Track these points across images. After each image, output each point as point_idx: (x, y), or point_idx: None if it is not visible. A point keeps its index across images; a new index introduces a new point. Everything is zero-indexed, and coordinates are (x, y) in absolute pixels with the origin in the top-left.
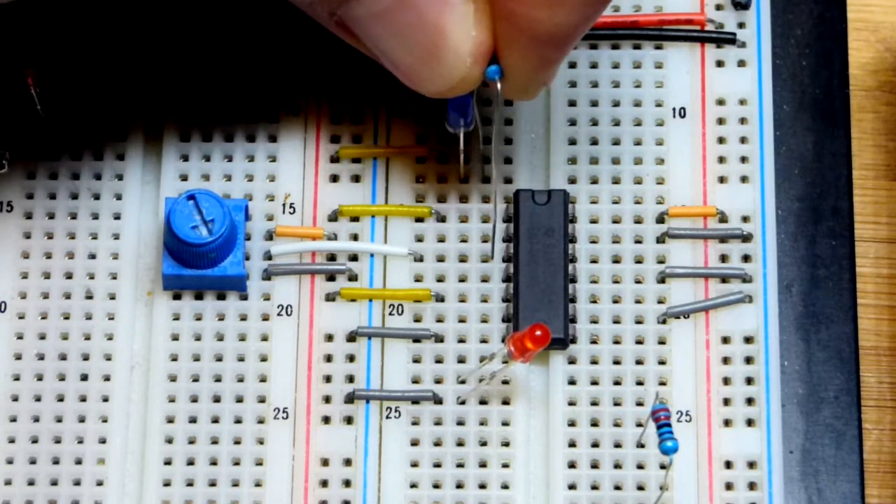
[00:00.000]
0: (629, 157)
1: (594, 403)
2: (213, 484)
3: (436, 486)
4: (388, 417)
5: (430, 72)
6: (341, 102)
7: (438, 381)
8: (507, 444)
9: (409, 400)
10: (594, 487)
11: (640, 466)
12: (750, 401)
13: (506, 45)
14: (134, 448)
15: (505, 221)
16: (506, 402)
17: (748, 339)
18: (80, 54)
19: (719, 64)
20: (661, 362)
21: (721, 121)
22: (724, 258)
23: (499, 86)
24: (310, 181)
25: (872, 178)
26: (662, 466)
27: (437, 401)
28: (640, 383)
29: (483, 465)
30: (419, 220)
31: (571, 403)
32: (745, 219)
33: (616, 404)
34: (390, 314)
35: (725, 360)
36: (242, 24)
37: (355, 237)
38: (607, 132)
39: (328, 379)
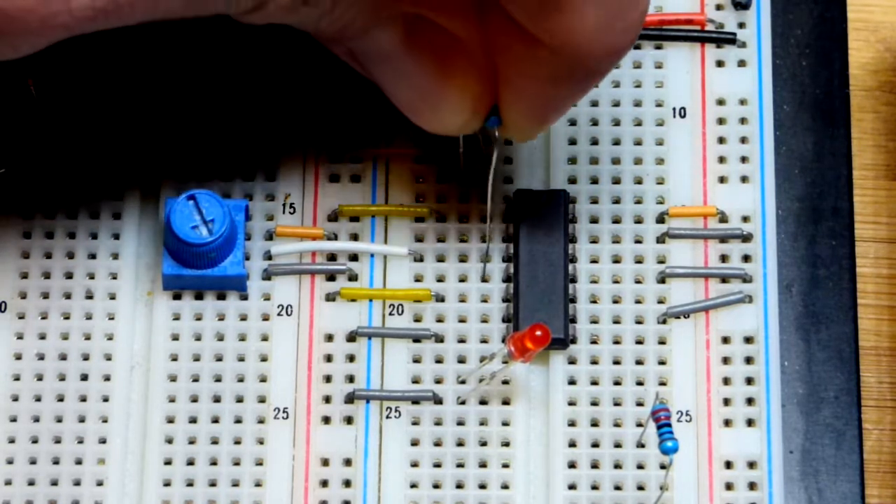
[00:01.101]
0: (629, 157)
1: (594, 403)
2: (213, 484)
3: (436, 486)
4: (388, 417)
5: (431, 115)
6: (341, 104)
7: (438, 381)
8: (507, 444)
9: (409, 400)
10: (594, 487)
11: (640, 466)
12: (750, 401)
13: (507, 104)
14: (134, 448)
15: (505, 221)
16: (506, 402)
17: (748, 339)
18: (81, 59)
19: (719, 64)
20: (661, 362)
21: (721, 121)
22: (724, 258)
23: (497, 133)
24: (310, 181)
25: (872, 178)
26: (662, 466)
27: (437, 401)
28: (640, 383)
29: (483, 465)
30: (419, 220)
31: (571, 403)
32: (745, 219)
33: (616, 404)
34: (390, 314)
35: (725, 360)
36: (246, 31)
37: (355, 237)
38: (607, 132)
39: (328, 379)
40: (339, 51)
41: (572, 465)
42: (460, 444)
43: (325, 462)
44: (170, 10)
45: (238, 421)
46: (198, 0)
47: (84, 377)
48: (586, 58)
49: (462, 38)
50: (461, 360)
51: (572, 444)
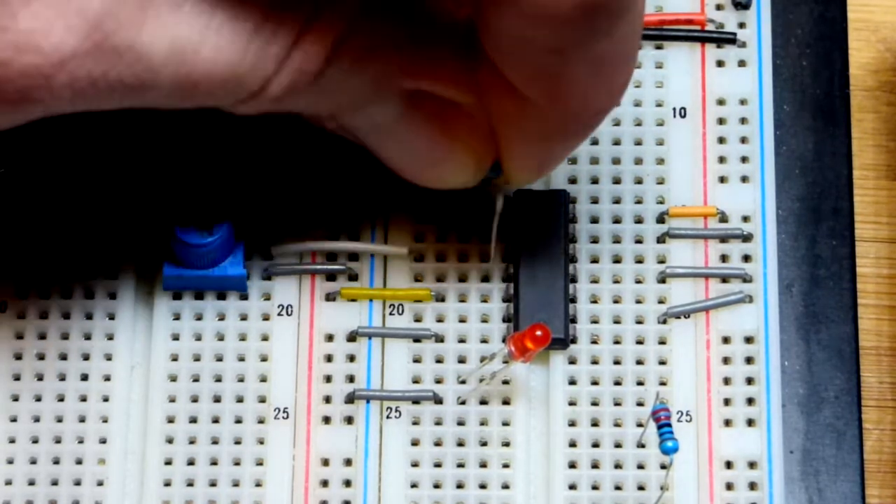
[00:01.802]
0: (629, 157)
1: (594, 403)
2: (213, 484)
3: (436, 486)
4: (388, 417)
5: (432, 176)
6: None
7: (439, 381)
8: (507, 444)
9: (410, 400)
10: (594, 487)
11: (640, 466)
12: (750, 401)
13: (506, 159)
14: (134, 448)
15: (505, 222)
16: (506, 402)
17: (748, 339)
18: None
19: (719, 64)
20: (662, 362)
21: (721, 121)
22: (724, 258)
23: (499, 182)
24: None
25: (873, 178)
26: (663, 466)
27: (438, 401)
28: (640, 383)
29: (483, 465)
30: (419, 220)
31: (572, 403)
32: (746, 219)
33: (616, 404)
34: (390, 314)
35: (726, 360)
36: None
37: (355, 237)
38: (607, 132)
39: (328, 379)
40: (329, 126)
41: (572, 465)
42: (460, 444)
43: (326, 462)
44: (154, 102)
45: (238, 421)
46: (184, 94)
47: (84, 377)
48: (577, 118)
49: (462, 103)
50: (461, 360)
51: (572, 444)
